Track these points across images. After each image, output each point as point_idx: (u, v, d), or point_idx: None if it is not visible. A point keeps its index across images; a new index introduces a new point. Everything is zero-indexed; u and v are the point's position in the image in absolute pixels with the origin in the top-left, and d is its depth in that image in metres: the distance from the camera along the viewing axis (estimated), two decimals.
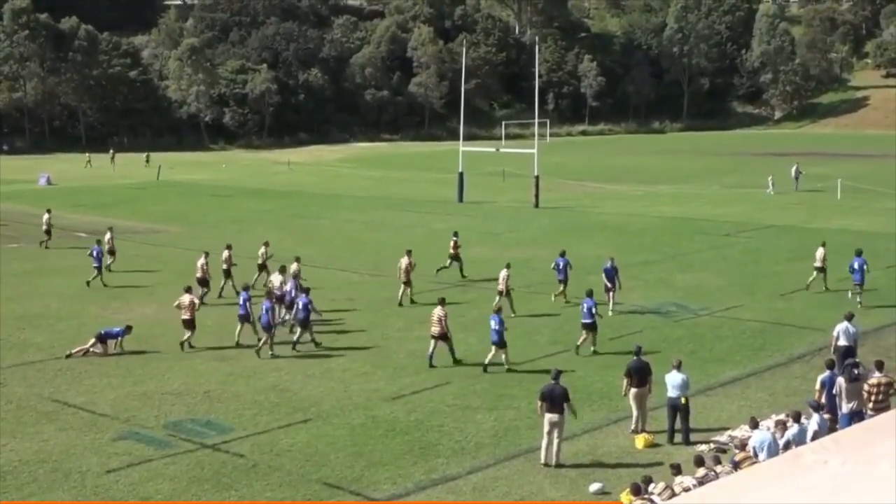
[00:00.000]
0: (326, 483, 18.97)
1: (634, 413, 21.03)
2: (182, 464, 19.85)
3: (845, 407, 19.81)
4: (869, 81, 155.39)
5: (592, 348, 26.61)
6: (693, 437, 20.57)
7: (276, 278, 31.50)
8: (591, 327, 26.78)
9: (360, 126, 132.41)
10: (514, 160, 71.77)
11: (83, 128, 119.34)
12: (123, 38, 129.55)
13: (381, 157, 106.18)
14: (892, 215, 51.12)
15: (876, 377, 20.08)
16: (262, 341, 27.44)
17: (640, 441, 20.53)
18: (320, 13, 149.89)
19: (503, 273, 32.10)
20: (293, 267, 32.51)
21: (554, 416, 19.57)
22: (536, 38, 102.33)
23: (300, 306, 28.35)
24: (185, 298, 28.67)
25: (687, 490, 15.62)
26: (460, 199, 62.77)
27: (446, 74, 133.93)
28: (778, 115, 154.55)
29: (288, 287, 30.52)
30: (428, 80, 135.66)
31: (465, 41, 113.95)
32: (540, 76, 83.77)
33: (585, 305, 26.85)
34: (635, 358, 21.61)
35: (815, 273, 34.44)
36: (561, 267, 33.22)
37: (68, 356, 27.22)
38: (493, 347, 25.74)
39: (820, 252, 34.37)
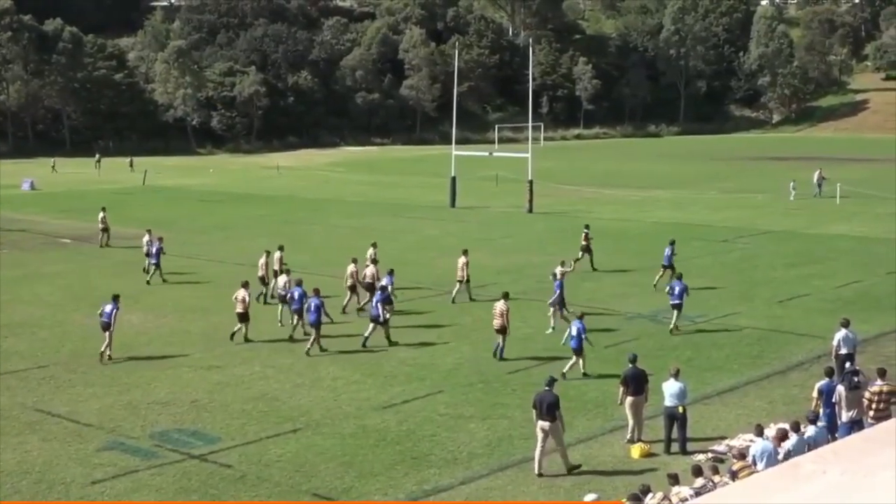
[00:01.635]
0: (316, 494, 18.94)
1: (630, 422, 21.03)
2: (168, 475, 19.80)
3: (845, 416, 19.83)
4: (868, 84, 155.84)
5: (583, 371, 25.70)
6: (690, 446, 20.58)
7: (281, 280, 32.46)
8: (579, 352, 25.63)
9: (350, 129, 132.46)
10: (507, 164, 71.86)
11: (68, 131, 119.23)
12: (109, 41, 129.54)
13: (372, 162, 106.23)
14: (893, 220, 51.25)
15: (878, 385, 20.11)
16: (311, 339, 28.37)
17: (635, 451, 20.52)
18: (310, 14, 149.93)
19: (461, 260, 33.88)
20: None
21: (545, 424, 19.59)
22: (530, 40, 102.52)
23: (312, 308, 28.69)
24: (241, 293, 29.88)
25: (684, 501, 15.63)
26: (452, 204, 62.79)
27: (438, 77, 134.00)
28: (776, 118, 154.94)
29: (297, 293, 30.52)
30: (420, 83, 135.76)
31: (457, 43, 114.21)
32: (534, 79, 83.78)
33: (574, 328, 25.89)
34: (631, 366, 21.62)
35: None
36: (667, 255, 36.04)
37: (109, 359, 27.76)
38: (573, 355, 25.52)
39: None
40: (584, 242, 40.26)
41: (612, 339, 29.19)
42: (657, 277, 35.85)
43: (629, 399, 20.99)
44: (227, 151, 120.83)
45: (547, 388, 20.12)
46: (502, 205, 63.26)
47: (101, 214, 48.14)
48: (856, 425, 18.84)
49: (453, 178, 63.57)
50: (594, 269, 39.43)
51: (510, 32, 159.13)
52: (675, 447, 20.57)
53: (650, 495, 16.06)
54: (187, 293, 37.05)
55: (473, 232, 50.47)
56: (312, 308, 28.63)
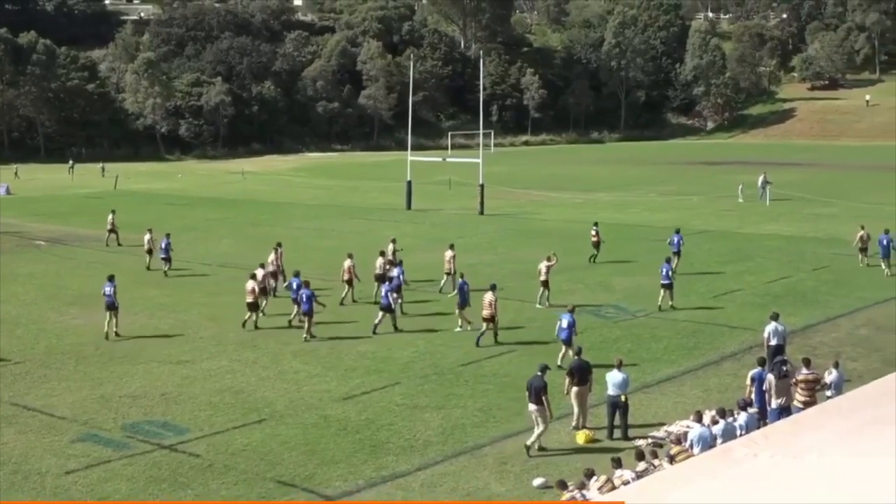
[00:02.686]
0: (280, 481, 18.86)
1: (576, 410, 21.14)
2: (139, 464, 19.65)
3: (774, 402, 20.05)
4: (795, 94, 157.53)
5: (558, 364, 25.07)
6: (631, 432, 20.71)
7: (259, 272, 32.61)
8: (569, 343, 25.25)
9: (311, 137, 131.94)
10: (459, 169, 71.83)
11: (42, 139, 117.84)
12: (81, 52, 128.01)
13: (332, 167, 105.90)
14: (818, 220, 51.88)
15: (804, 374, 20.39)
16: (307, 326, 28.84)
17: (581, 437, 20.63)
18: (273, 28, 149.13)
19: (448, 254, 35.06)
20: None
21: (533, 407, 19.89)
22: (481, 53, 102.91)
23: (304, 298, 29.06)
24: (250, 283, 30.92)
25: (626, 483, 15.71)
26: (408, 206, 62.76)
27: (394, 87, 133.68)
28: (710, 125, 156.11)
29: (295, 283, 30.98)
30: (377, 93, 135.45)
31: (412, 55, 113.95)
32: (484, 89, 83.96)
33: (565, 321, 25.71)
34: (576, 358, 21.73)
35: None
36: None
37: (116, 336, 29.32)
38: (563, 346, 25.45)
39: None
40: (594, 239, 41.14)
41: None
42: (674, 265, 35.54)
43: (574, 389, 21.10)
44: (194, 158, 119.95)
45: (539, 373, 20.26)
46: (455, 207, 63.29)
47: (109, 217, 47.98)
48: (784, 411, 19.03)
49: (409, 182, 63.53)
50: (592, 262, 40.31)
51: (462, 45, 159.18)
52: (617, 433, 20.70)
53: (594, 478, 16.14)
54: (156, 292, 36.77)
55: (428, 233, 50.46)
56: (304, 298, 28.95)
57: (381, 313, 29.78)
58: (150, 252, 41.57)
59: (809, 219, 53.53)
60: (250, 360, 27.07)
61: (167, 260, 40.06)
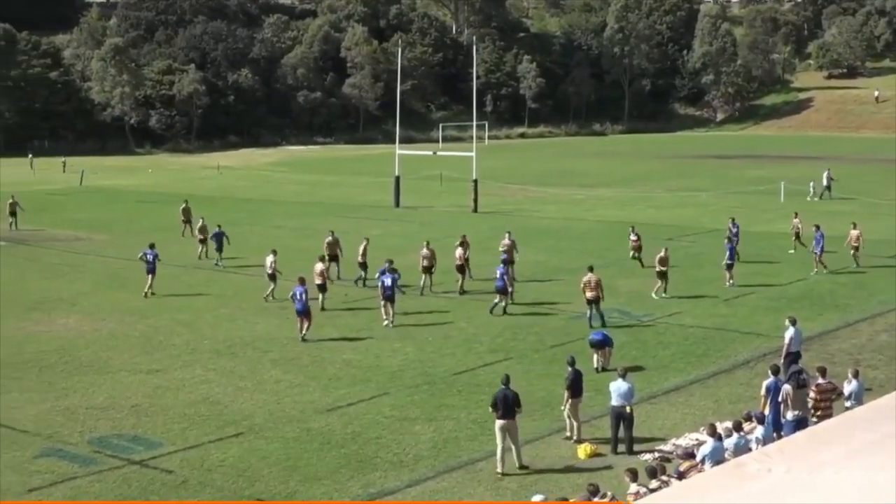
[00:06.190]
0: (259, 499, 18.87)
1: (575, 423, 21.22)
2: (108, 481, 19.64)
3: (790, 414, 20.06)
4: (811, 83, 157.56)
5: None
6: (637, 446, 20.74)
7: (319, 267, 34.33)
8: (602, 344, 26.37)
9: (292, 129, 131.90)
10: (451, 164, 71.96)
11: (1, 131, 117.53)
12: (43, 38, 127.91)
13: (315, 161, 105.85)
14: (834, 218, 51.96)
15: (820, 383, 20.43)
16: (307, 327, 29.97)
17: (582, 451, 20.65)
18: (250, 12, 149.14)
19: (459, 251, 36.78)
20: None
21: (505, 422, 19.76)
22: (474, 38, 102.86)
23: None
24: (318, 266, 34.22)
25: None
26: (397, 203, 62.77)
27: (381, 75, 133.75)
28: (720, 116, 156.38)
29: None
30: (362, 82, 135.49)
31: (400, 41, 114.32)
32: (478, 77, 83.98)
33: (595, 338, 26.64)
34: (571, 369, 21.71)
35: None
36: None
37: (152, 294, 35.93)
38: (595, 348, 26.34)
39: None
40: (634, 243, 41.09)
41: (558, 339, 29.38)
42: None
43: (570, 401, 21.21)
44: (166, 151, 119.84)
45: (504, 385, 20.27)
46: (447, 204, 63.32)
47: (199, 222, 46.87)
48: (800, 424, 19.07)
49: (397, 178, 63.54)
50: (643, 266, 39.91)
51: (454, 30, 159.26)
52: (621, 447, 20.71)
53: (598, 495, 16.15)
54: (125, 296, 36.74)
55: (417, 232, 50.36)
56: (298, 296, 29.84)
57: (498, 296, 32.74)
58: (203, 241, 44.23)
59: (825, 216, 53.58)
60: (227, 368, 27.08)
61: (219, 250, 42.42)
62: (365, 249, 37.60)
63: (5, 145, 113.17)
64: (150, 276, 36.39)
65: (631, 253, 40.91)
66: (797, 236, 43.16)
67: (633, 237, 41.43)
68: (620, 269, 40.09)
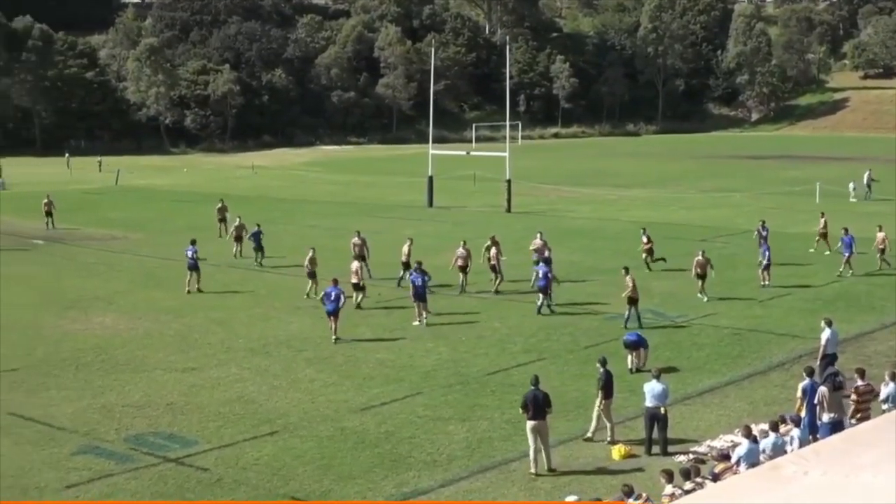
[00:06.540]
0: (294, 498, 18.97)
1: (608, 423, 21.21)
2: (144, 478, 19.79)
3: (826, 416, 19.93)
4: (847, 83, 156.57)
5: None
6: (671, 447, 20.66)
7: (355, 266, 34.74)
8: (637, 345, 26.62)
9: (325, 128, 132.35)
10: (484, 163, 71.94)
11: (38, 130, 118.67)
12: (79, 38, 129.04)
13: (348, 161, 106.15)
14: (870, 219, 51.54)
15: (859, 385, 20.30)
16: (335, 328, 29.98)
17: (616, 452, 20.60)
18: (284, 12, 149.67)
19: (492, 251, 37.13)
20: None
21: (536, 423, 19.72)
22: (507, 38, 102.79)
23: (540, 275, 32.92)
24: (354, 264, 34.70)
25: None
26: (430, 203, 62.86)
27: (414, 75, 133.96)
28: (754, 117, 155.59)
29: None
30: (395, 82, 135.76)
31: (433, 41, 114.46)
32: (511, 77, 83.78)
33: (629, 339, 26.88)
34: (603, 369, 21.64)
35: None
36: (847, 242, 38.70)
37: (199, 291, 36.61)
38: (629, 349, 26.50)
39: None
40: (645, 245, 40.74)
41: (592, 340, 29.33)
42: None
43: (603, 404, 21.18)
44: (200, 151, 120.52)
45: (534, 386, 20.17)
46: (480, 204, 63.31)
47: (236, 221, 46.80)
48: (837, 426, 18.95)
49: (430, 178, 63.63)
50: (649, 269, 39.65)
51: (487, 30, 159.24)
52: (656, 448, 20.65)
53: (633, 496, 16.12)
54: (161, 295, 37.00)
55: (451, 232, 50.42)
56: (331, 297, 30.07)
57: (541, 295, 32.87)
58: (238, 239, 44.59)
59: (862, 217, 53.21)
60: (261, 367, 27.21)
61: (259, 249, 42.72)
62: (409, 249, 37.51)
63: (43, 145, 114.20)
64: (191, 272, 37.10)
65: (643, 255, 40.53)
66: (824, 236, 43.37)
67: (644, 239, 41.15)
68: (653, 269, 39.95)
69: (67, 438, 22.01)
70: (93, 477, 19.90)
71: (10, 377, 26.61)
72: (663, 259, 40.46)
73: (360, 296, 33.81)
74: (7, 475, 20.01)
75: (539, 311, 32.68)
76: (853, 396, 20.08)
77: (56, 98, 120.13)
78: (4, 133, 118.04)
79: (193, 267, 37.06)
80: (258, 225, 43.46)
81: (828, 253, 42.47)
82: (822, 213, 44.85)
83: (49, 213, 54.42)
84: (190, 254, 37.24)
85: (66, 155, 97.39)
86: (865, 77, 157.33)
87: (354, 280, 33.69)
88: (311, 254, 36.27)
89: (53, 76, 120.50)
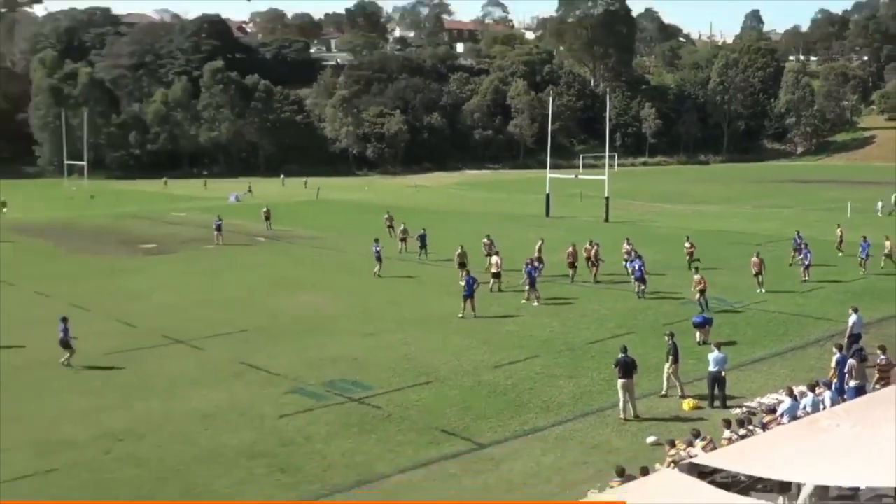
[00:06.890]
0: (444, 430, 19.14)
1: (677, 383, 20.90)
2: (335, 412, 20.21)
3: (853, 382, 19.30)
4: (874, 124, 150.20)
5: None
6: (728, 402, 20.23)
7: (495, 259, 34.16)
8: (703, 324, 25.84)
9: (470, 158, 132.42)
10: (589, 185, 71.19)
11: (262, 159, 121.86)
12: (292, 91, 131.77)
13: (487, 182, 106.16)
14: (889, 230, 49.23)
15: (881, 359, 19.67)
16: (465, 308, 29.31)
17: (687, 404, 20.28)
18: (440, 71, 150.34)
19: (626, 247, 37.21)
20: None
21: (626, 381, 19.56)
22: (607, 90, 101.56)
23: (637, 268, 32.10)
24: (494, 258, 34.11)
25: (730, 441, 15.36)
26: (547, 214, 62.49)
27: (537, 118, 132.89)
28: (800, 150, 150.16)
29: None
30: (522, 122, 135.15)
31: (551, 92, 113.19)
32: (610, 119, 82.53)
33: (697, 320, 26.27)
34: (671, 341, 21.23)
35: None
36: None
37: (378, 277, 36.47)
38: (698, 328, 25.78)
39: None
40: (690, 249, 38.94)
41: (669, 319, 28.82)
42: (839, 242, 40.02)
43: (672, 367, 20.89)
44: (378, 174, 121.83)
45: (623, 353, 19.98)
46: (585, 215, 62.64)
47: (401, 226, 46.12)
48: (860, 391, 18.32)
49: (548, 195, 63.30)
50: (690, 269, 38.08)
51: (592, 84, 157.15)
52: (716, 403, 20.25)
53: (699, 437, 15.85)
54: (350, 280, 37.58)
55: (563, 236, 50.00)
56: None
57: (637, 284, 32.03)
58: (403, 240, 44.11)
59: (887, 227, 50.95)
60: (421, 335, 27.47)
61: (423, 247, 42.38)
62: (540, 247, 37.05)
63: (264, 169, 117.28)
64: (378, 262, 37.42)
65: (686, 259, 38.62)
66: (840, 243, 42.00)
67: (687, 244, 39.38)
68: (718, 266, 38.98)
69: (281, 382, 22.62)
70: (299, 410, 20.39)
71: (242, 336, 27.47)
72: (698, 260, 38.30)
73: (498, 283, 33.37)
74: (239, 406, 20.65)
75: (640, 296, 32.01)
76: (876, 367, 19.37)
77: (274, 135, 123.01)
78: (238, 160, 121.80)
79: (378, 258, 37.42)
80: (423, 229, 43.54)
81: (840, 255, 40.98)
82: (839, 225, 43.47)
83: (268, 218, 55.68)
84: (376, 248, 37.73)
85: (282, 176, 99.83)
86: (890, 119, 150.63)
87: (494, 270, 33.44)
88: (459, 250, 36.43)
89: (273, 119, 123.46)
